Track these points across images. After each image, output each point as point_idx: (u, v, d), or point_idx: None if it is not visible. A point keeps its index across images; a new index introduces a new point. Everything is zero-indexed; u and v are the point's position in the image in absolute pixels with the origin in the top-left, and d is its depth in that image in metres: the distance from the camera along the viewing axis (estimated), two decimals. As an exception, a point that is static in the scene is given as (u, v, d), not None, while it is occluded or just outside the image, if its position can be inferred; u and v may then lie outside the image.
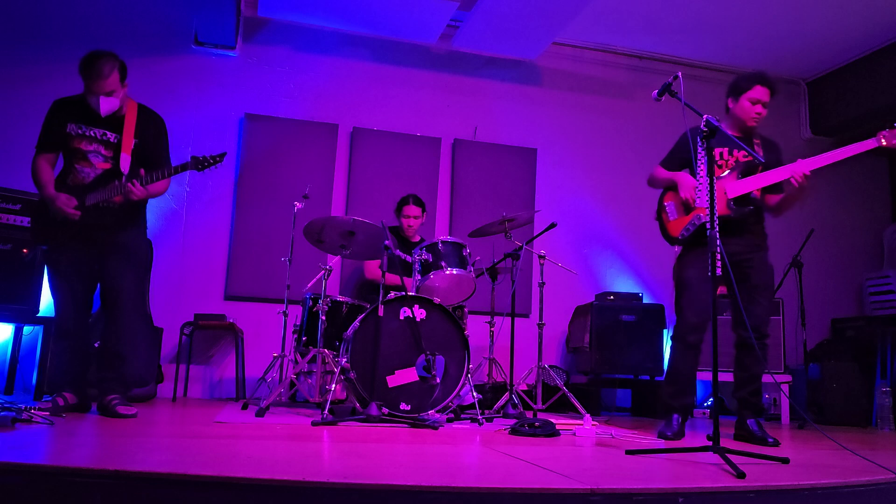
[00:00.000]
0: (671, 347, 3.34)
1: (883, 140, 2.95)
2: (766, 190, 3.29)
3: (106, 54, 3.12)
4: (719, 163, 3.29)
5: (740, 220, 3.21)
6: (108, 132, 3.19)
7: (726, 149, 3.27)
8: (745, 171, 3.19)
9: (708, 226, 2.46)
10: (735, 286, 2.84)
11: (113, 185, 3.13)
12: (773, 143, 3.33)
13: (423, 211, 4.74)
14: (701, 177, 3.14)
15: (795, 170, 3.05)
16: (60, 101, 3.23)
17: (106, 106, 3.13)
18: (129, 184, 3.08)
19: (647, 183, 3.56)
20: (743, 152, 3.21)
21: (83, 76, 3.10)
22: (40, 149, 3.20)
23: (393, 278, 4.26)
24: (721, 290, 3.40)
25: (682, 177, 3.31)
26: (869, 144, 2.99)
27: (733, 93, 3.30)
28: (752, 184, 3.18)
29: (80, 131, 3.16)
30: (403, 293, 3.50)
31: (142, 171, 3.16)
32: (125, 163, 3.16)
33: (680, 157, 3.41)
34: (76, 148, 3.16)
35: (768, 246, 3.39)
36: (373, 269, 4.68)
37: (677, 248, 3.43)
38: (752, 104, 3.23)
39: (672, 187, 3.37)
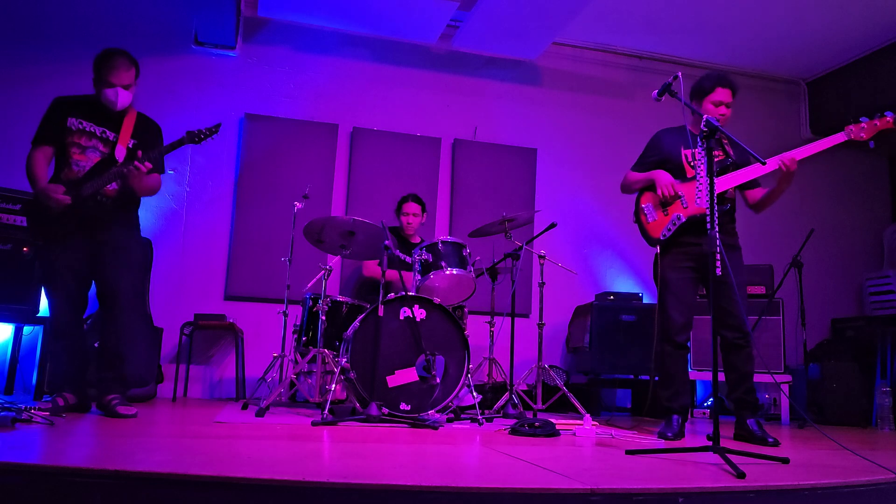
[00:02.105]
0: (660, 350, 3.32)
1: (851, 133, 3.03)
2: (744, 187, 3.33)
3: (124, 51, 3.20)
4: (692, 163, 3.30)
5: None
6: (107, 130, 3.21)
7: (697, 150, 3.28)
8: (720, 170, 3.20)
9: (709, 225, 2.45)
10: (730, 286, 2.84)
11: (110, 172, 3.12)
12: (737, 142, 3.34)
13: (423, 210, 4.75)
14: (701, 177, 3.16)
15: (784, 158, 3.08)
16: (62, 98, 3.25)
17: (123, 98, 3.17)
18: (134, 164, 3.06)
19: (620, 189, 3.57)
20: (717, 151, 3.21)
21: (102, 67, 3.14)
22: (37, 142, 3.19)
23: (392, 273, 4.26)
24: (699, 290, 3.42)
25: (659, 174, 3.31)
26: (838, 138, 3.06)
27: (696, 96, 3.33)
28: (733, 180, 3.20)
29: (80, 126, 3.17)
30: (403, 292, 3.50)
31: (139, 152, 3.15)
32: (120, 153, 3.18)
33: (652, 160, 3.42)
34: (74, 142, 3.16)
35: (740, 246, 3.40)
36: (371, 266, 4.68)
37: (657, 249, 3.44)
38: (716, 106, 3.26)
39: (649, 187, 3.37)
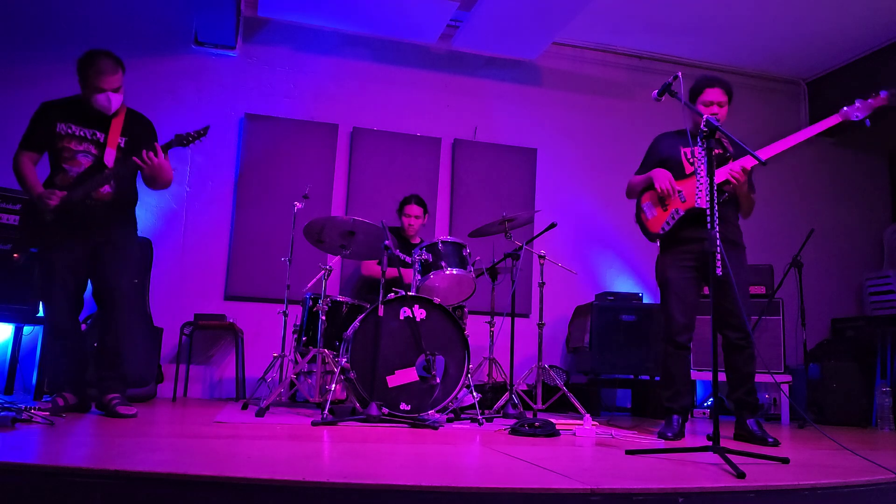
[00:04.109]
0: (662, 350, 3.33)
1: (846, 115, 3.10)
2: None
3: (107, 52, 3.15)
4: (691, 161, 3.32)
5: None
6: (97, 132, 3.19)
7: (696, 147, 3.29)
8: (718, 162, 3.21)
9: (709, 226, 2.45)
10: (732, 285, 2.84)
11: (99, 177, 3.11)
12: (736, 141, 3.35)
13: (425, 212, 4.74)
14: (701, 177, 3.16)
15: (733, 169, 3.12)
16: (49, 102, 3.22)
17: (116, 102, 3.15)
18: (143, 156, 3.08)
19: (626, 195, 3.59)
20: (716, 149, 3.22)
21: (89, 73, 3.10)
22: (24, 147, 3.18)
23: (391, 271, 4.24)
24: (703, 290, 3.42)
25: (656, 171, 3.34)
26: (833, 120, 3.13)
27: (690, 98, 3.34)
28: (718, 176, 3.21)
29: (69, 131, 3.15)
30: (403, 292, 3.50)
31: (143, 151, 3.13)
32: (110, 157, 3.15)
33: (652, 162, 3.45)
34: (65, 147, 3.14)
35: (744, 244, 3.40)
36: (370, 265, 4.68)
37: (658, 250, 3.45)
38: (707, 106, 3.27)
39: (650, 187, 3.40)
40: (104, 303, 3.24)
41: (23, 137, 3.19)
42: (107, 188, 3.17)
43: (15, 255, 4.12)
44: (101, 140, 3.19)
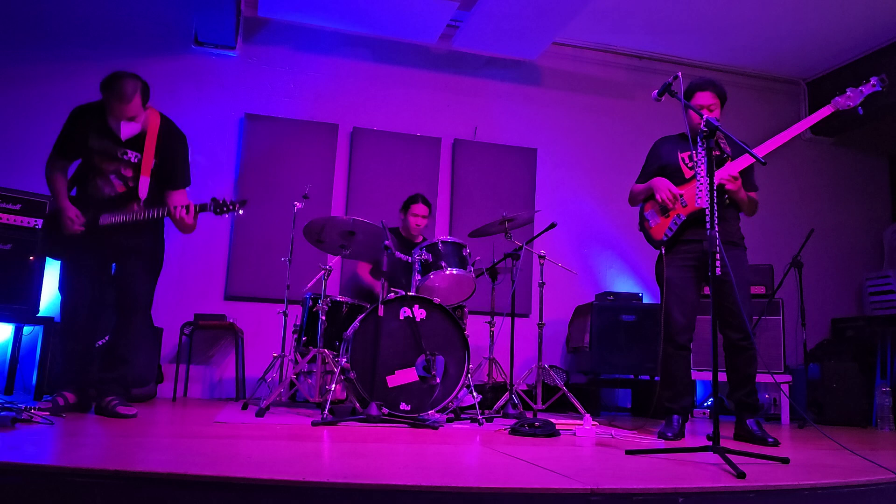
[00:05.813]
0: (662, 351, 3.32)
1: (838, 105, 3.12)
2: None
3: (128, 75, 3.07)
4: (689, 164, 3.32)
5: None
6: (129, 151, 3.16)
7: (693, 151, 3.30)
8: (717, 164, 3.21)
9: (708, 226, 2.45)
10: (729, 286, 2.84)
11: (130, 212, 3.13)
12: (734, 139, 3.36)
13: (430, 212, 4.72)
14: (701, 177, 3.16)
15: (722, 176, 3.11)
16: (82, 108, 3.19)
17: (126, 131, 3.11)
18: (182, 210, 3.13)
19: (628, 203, 3.60)
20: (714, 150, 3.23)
21: (105, 96, 3.06)
22: (57, 154, 3.18)
23: (377, 284, 4.22)
24: (704, 290, 3.42)
25: (657, 181, 3.36)
26: (825, 111, 3.15)
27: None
28: (730, 170, 3.21)
29: (101, 147, 3.13)
30: (403, 293, 3.50)
31: (191, 205, 3.17)
32: (144, 186, 3.15)
33: (651, 170, 3.46)
34: (97, 165, 3.14)
35: (745, 245, 3.41)
36: (365, 270, 4.65)
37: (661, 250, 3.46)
38: (699, 110, 3.26)
39: (650, 196, 3.41)
40: (120, 308, 3.24)
41: (56, 141, 3.18)
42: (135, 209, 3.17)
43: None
44: (134, 161, 3.16)
